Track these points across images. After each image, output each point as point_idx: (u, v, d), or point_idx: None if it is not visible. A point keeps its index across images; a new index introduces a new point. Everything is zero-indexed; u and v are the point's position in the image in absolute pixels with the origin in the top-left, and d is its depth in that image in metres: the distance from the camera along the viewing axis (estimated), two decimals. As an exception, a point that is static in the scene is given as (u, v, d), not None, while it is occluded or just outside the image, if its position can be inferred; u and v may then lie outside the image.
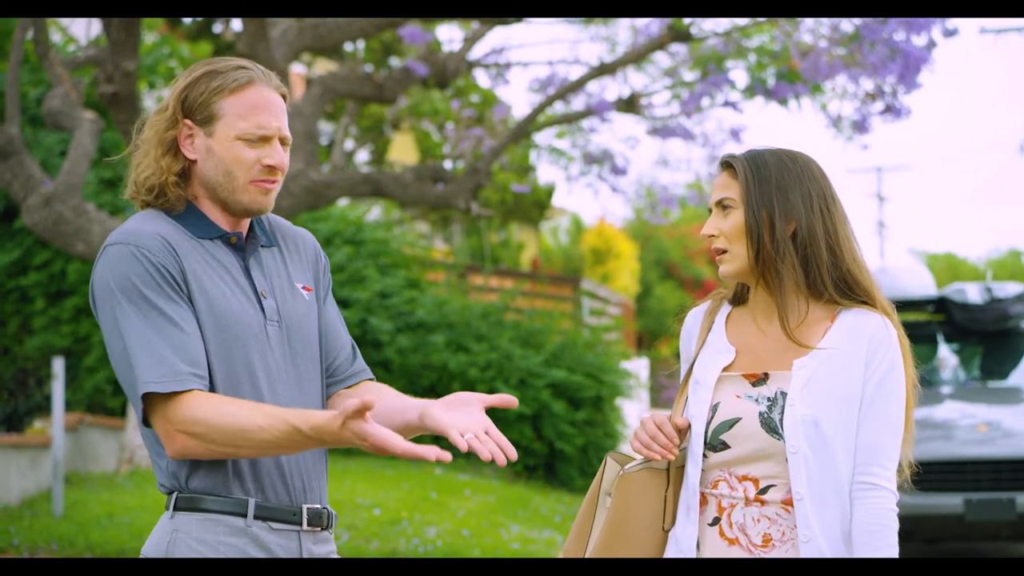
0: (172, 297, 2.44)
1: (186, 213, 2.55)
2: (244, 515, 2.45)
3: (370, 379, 2.74)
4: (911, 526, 8.25)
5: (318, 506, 2.55)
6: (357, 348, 2.76)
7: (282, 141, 2.56)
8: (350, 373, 2.70)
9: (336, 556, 2.60)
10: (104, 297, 2.45)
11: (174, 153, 2.54)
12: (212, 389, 2.45)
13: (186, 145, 2.54)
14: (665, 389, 21.99)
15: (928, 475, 8.05)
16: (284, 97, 2.60)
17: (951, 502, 8.21)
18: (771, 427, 2.53)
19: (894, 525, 2.51)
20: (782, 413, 2.53)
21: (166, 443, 2.40)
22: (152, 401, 2.39)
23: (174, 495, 2.47)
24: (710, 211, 2.67)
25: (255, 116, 2.52)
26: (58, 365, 8.79)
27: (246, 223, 2.62)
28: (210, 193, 2.56)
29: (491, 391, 12.04)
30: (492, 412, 12.25)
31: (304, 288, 2.63)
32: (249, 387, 2.47)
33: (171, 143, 2.54)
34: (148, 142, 2.55)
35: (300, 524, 2.50)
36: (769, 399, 2.56)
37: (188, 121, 2.53)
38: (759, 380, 2.59)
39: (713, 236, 2.63)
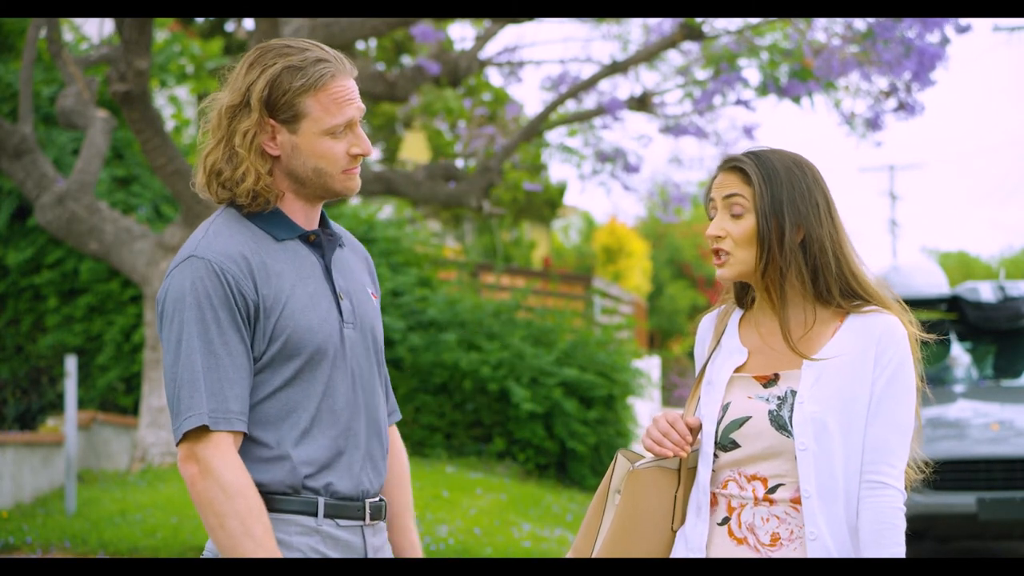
0: (241, 328, 2.41)
1: (268, 214, 2.51)
2: (315, 514, 2.45)
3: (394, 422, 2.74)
4: (924, 525, 8.23)
5: (379, 499, 2.56)
6: (390, 384, 2.75)
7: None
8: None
9: (387, 547, 2.61)
10: (177, 308, 2.40)
11: (259, 152, 2.48)
12: (285, 414, 2.43)
13: (268, 144, 2.49)
14: (677, 388, 21.97)
15: (941, 474, 8.03)
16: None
17: (964, 501, 8.19)
18: (780, 424, 2.53)
19: (901, 524, 2.50)
20: (791, 410, 2.53)
21: (182, 462, 2.39)
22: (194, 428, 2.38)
23: None
24: (710, 204, 2.65)
25: (340, 110, 2.48)
26: (71, 363, 8.80)
27: (316, 219, 2.57)
28: (296, 188, 2.52)
29: (503, 390, 12.04)
30: (505, 411, 12.26)
31: (372, 295, 2.63)
32: (325, 406, 2.46)
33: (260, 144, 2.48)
34: (237, 144, 2.46)
35: (363, 519, 2.51)
36: (779, 398, 2.56)
37: (272, 121, 2.47)
38: (770, 381, 2.59)
39: (720, 237, 2.61)
